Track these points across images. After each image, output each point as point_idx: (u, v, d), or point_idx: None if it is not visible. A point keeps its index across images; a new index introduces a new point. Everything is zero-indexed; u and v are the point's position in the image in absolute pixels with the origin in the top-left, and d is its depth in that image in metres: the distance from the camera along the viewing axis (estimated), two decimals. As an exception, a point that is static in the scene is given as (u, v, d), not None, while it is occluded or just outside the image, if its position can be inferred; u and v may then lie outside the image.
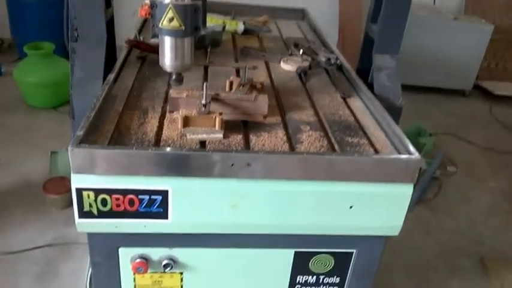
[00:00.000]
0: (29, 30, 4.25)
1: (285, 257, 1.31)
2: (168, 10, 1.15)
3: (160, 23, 1.17)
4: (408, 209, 1.21)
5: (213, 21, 2.37)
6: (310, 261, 1.32)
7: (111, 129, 1.26)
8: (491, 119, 4.87)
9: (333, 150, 1.27)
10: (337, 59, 1.97)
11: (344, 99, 1.64)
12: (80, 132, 1.13)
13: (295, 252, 1.30)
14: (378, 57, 1.74)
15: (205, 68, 1.82)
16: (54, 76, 3.78)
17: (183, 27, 1.17)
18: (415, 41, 4.90)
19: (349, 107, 1.58)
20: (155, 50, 1.80)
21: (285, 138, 1.31)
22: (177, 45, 1.22)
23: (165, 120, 1.34)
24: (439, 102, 5.12)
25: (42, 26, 4.17)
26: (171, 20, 1.16)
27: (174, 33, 1.19)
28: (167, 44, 1.22)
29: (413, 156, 1.17)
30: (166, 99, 1.47)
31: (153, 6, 1.16)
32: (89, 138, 1.17)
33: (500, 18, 5.66)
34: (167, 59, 1.25)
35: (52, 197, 2.83)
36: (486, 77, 5.62)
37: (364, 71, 1.82)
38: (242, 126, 1.36)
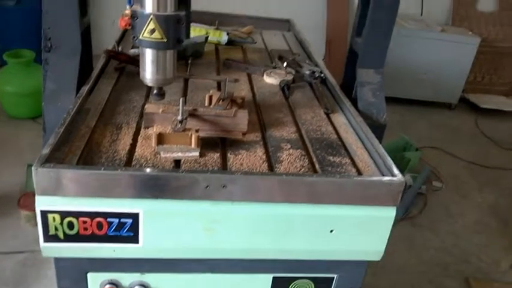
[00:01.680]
0: (9, 37, 4.15)
1: (263, 282, 1.25)
2: (150, 21, 1.08)
3: (141, 35, 1.10)
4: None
5: (196, 31, 2.32)
6: (289, 287, 1.26)
7: (81, 146, 1.20)
8: (477, 133, 4.88)
9: (314, 170, 1.22)
10: (321, 72, 1.93)
11: (327, 114, 1.60)
12: (46, 150, 1.07)
13: (274, 278, 1.24)
14: (362, 72, 1.70)
15: (186, 81, 1.77)
16: (35, 85, 3.68)
17: (165, 39, 1.11)
18: (402, 53, 4.91)
19: (332, 123, 1.53)
20: (134, 61, 1.75)
21: (264, 157, 1.25)
22: (159, 58, 1.16)
23: (139, 137, 1.28)
24: (425, 115, 5.12)
25: (23, 33, 4.08)
26: (152, 31, 1.10)
27: (156, 46, 1.12)
28: (148, 56, 1.15)
29: (396, 179, 1.12)
30: (142, 114, 1.40)
31: (133, 16, 1.10)
32: (56, 156, 1.11)
33: (487, 30, 5.70)
34: (148, 73, 1.18)
35: (26, 213, 2.72)
36: (472, 90, 5.64)
37: (349, 86, 1.78)
38: (220, 143, 1.31)
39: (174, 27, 1.11)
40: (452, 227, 3.25)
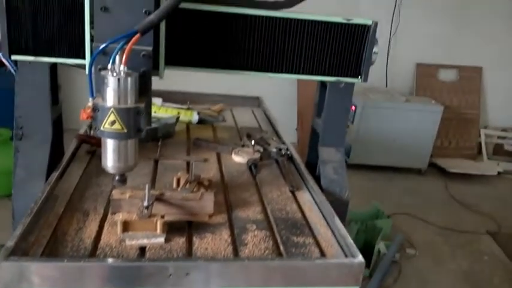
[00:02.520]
0: (-15, 116, 4.19)
1: None
2: (110, 113, 1.14)
3: (102, 126, 1.15)
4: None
5: (168, 112, 2.41)
6: None
7: (47, 235, 1.21)
8: (448, 197, 4.99)
9: (278, 252, 1.25)
10: (287, 149, 2.01)
11: (293, 192, 1.65)
12: (11, 243, 1.08)
13: None
14: (323, 151, 1.78)
15: (156, 162, 1.81)
16: (9, 164, 3.64)
17: (125, 130, 1.15)
18: (371, 123, 5.12)
19: (297, 201, 1.58)
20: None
21: (229, 240, 1.28)
22: (120, 148, 1.20)
23: (105, 223, 1.30)
24: (396, 181, 5.25)
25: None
26: (113, 123, 1.15)
27: (116, 136, 1.17)
28: (110, 146, 1.20)
29: (356, 260, 1.16)
30: (110, 199, 1.43)
31: (95, 109, 1.16)
32: (21, 247, 1.12)
33: (450, 98, 6.02)
34: (109, 161, 1.22)
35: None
36: (440, 154, 5.85)
37: (313, 163, 1.86)
38: (187, 226, 1.34)
39: (134, 118, 1.15)
40: (428, 295, 3.24)
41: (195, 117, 2.39)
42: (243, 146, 2.06)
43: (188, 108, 2.51)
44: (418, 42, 5.88)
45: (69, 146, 1.80)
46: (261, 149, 2.01)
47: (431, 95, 5.86)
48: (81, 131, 1.94)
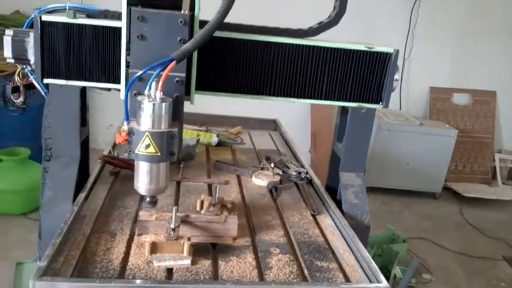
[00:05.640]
0: (4, 135, 4.27)
1: None
2: (145, 137, 1.17)
3: (136, 149, 1.18)
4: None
5: (188, 134, 2.44)
6: None
7: (76, 255, 1.24)
8: (463, 222, 4.95)
9: (303, 277, 1.26)
10: (307, 173, 2.03)
11: (314, 216, 1.67)
12: (43, 263, 1.11)
13: None
14: (344, 176, 1.80)
15: (178, 183, 1.84)
16: (27, 182, 3.73)
17: (159, 153, 1.19)
18: (385, 145, 5.12)
19: (319, 226, 1.60)
20: (129, 165, 1.83)
21: (254, 263, 1.30)
22: (152, 170, 1.23)
23: (132, 244, 1.33)
24: (411, 204, 5.22)
25: (18, 130, 4.19)
26: (147, 146, 1.18)
27: (150, 159, 1.20)
28: (143, 169, 1.23)
29: (381, 285, 1.17)
30: (135, 220, 1.46)
31: (130, 133, 1.19)
32: (52, 267, 1.15)
33: (464, 122, 6.01)
34: (142, 183, 1.25)
35: (13, 317, 2.63)
36: (455, 179, 5.81)
37: (333, 187, 1.87)
38: (211, 248, 1.35)
39: (167, 142, 1.19)
40: (444, 322, 3.19)
41: (214, 140, 2.43)
42: (262, 168, 2.08)
43: (207, 131, 2.55)
44: (431, 66, 5.91)
45: (94, 167, 1.84)
46: (281, 172, 2.04)
47: (444, 119, 5.86)
48: (105, 152, 1.98)
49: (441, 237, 4.38)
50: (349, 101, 1.67)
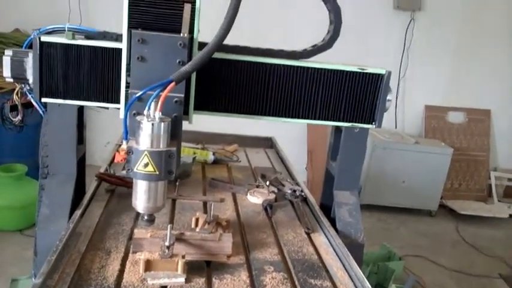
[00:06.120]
0: (3, 151, 4.28)
1: None
2: (144, 156, 1.19)
3: (135, 167, 1.20)
4: None
5: (185, 151, 2.46)
6: None
7: (71, 272, 1.25)
8: (459, 239, 4.95)
9: (296, 295, 1.27)
10: (302, 191, 2.05)
11: (308, 234, 1.68)
12: (39, 280, 1.12)
13: None
14: (338, 194, 1.82)
15: (173, 201, 1.85)
16: (24, 199, 3.74)
17: (157, 172, 1.20)
18: (380, 163, 5.14)
19: (313, 244, 1.61)
20: (125, 182, 1.85)
21: (248, 281, 1.31)
22: (151, 189, 1.25)
23: (127, 262, 1.34)
24: (407, 222, 5.22)
25: (16, 146, 4.20)
26: (146, 165, 1.20)
27: (148, 178, 1.22)
28: (141, 187, 1.25)
29: (373, 304, 1.18)
30: (131, 237, 1.47)
31: (129, 152, 1.21)
32: (47, 284, 1.15)
33: (459, 140, 6.05)
34: (140, 201, 1.26)
35: (6, 333, 2.62)
36: (451, 196, 5.83)
37: (328, 205, 1.89)
38: (206, 266, 1.36)
39: (166, 161, 1.21)
40: None
41: (210, 157, 2.45)
42: (257, 186, 2.10)
43: (203, 148, 2.57)
44: (426, 85, 5.98)
45: (90, 185, 1.85)
46: (276, 190, 2.05)
47: (440, 137, 5.90)
48: (102, 169, 1.99)
49: (437, 255, 4.38)
50: (343, 121, 1.70)
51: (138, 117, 1.19)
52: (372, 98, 1.68)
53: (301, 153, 5.57)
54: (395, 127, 5.89)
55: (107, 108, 1.61)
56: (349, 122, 1.70)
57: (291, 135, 5.34)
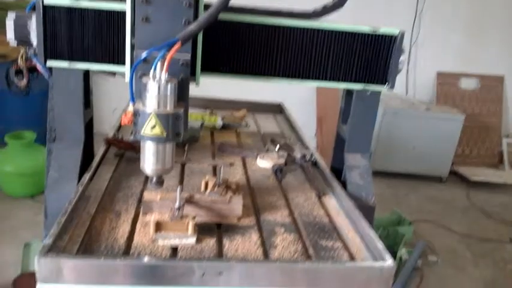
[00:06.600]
0: (10, 118, 4.30)
1: None
2: (151, 118, 1.17)
3: (142, 130, 1.18)
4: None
5: (193, 117, 2.44)
6: None
7: (81, 233, 1.24)
8: (469, 205, 4.94)
9: (308, 255, 1.26)
10: (312, 155, 2.02)
11: (319, 197, 1.66)
12: (49, 240, 1.12)
13: None
14: (349, 157, 1.79)
15: (182, 166, 1.84)
16: (34, 165, 3.78)
17: (165, 134, 1.19)
18: (390, 130, 5.09)
19: (323, 207, 1.59)
20: (133, 147, 1.84)
21: (259, 242, 1.30)
22: (159, 151, 1.23)
23: (137, 223, 1.33)
24: (417, 188, 5.21)
25: (24, 114, 4.21)
26: (153, 127, 1.18)
27: (156, 140, 1.20)
28: (149, 150, 1.23)
29: (386, 264, 1.17)
30: (140, 200, 1.46)
31: (136, 114, 1.19)
32: (58, 245, 1.15)
33: (471, 106, 5.96)
34: (148, 164, 1.25)
35: (22, 296, 2.68)
36: (462, 162, 5.79)
37: (338, 169, 1.87)
38: (216, 228, 1.36)
39: (173, 123, 1.19)
40: (450, 303, 3.21)
41: (219, 123, 2.42)
42: (267, 151, 2.08)
43: (212, 113, 2.54)
44: (438, 51, 5.85)
45: (99, 149, 1.84)
46: (285, 155, 2.03)
47: (452, 104, 5.81)
48: (110, 135, 1.98)
49: (448, 220, 4.38)
50: (355, 81, 1.65)
51: (144, 79, 1.16)
52: (384, 59, 1.63)
53: (310, 121, 5.53)
54: (406, 94, 5.81)
55: (114, 75, 1.58)
56: (362, 82, 1.65)
57: (300, 101, 5.29)
